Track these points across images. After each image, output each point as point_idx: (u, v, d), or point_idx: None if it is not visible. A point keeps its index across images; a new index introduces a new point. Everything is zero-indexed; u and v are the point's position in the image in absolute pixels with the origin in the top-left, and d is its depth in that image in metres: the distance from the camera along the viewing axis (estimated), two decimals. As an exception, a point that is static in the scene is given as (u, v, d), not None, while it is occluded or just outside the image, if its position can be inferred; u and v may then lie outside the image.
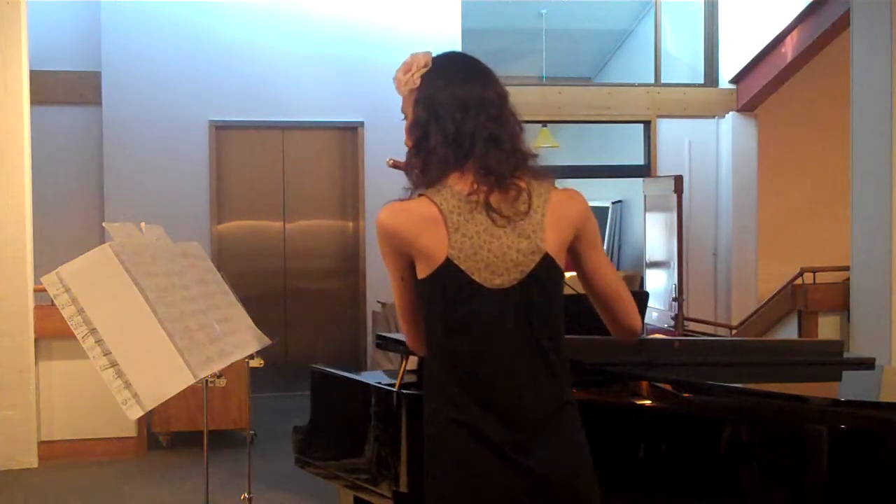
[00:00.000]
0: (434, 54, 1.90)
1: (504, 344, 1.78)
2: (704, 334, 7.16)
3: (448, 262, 1.76)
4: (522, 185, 1.81)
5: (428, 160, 1.82)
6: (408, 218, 1.79)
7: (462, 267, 1.76)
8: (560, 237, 1.81)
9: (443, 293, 1.79)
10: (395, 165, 1.98)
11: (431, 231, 1.77)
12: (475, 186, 1.78)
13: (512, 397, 1.77)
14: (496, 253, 1.77)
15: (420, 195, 1.81)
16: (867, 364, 2.88)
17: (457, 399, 1.78)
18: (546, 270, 1.79)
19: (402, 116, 1.93)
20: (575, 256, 1.89)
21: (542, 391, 1.79)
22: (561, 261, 1.82)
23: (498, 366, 1.78)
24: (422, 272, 1.80)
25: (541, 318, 1.80)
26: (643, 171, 8.87)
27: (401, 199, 1.83)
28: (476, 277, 1.77)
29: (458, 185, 1.79)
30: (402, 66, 1.90)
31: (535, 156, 1.89)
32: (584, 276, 1.91)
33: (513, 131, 1.85)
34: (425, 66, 1.87)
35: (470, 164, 1.80)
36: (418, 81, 1.86)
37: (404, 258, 1.82)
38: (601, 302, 1.93)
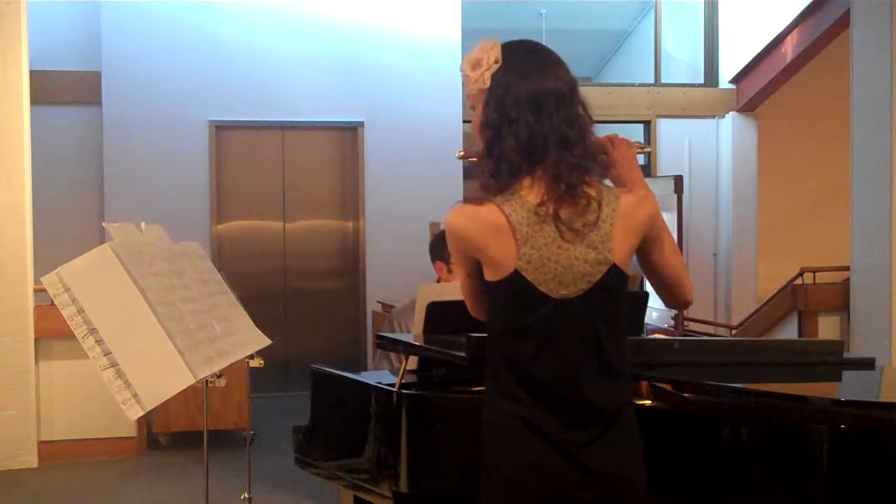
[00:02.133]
0: (501, 44, 1.83)
1: (567, 348, 1.79)
2: (704, 334, 7.16)
3: (516, 273, 1.76)
4: (593, 192, 1.78)
5: (499, 164, 1.79)
6: (476, 225, 1.78)
7: (530, 279, 1.76)
8: (628, 246, 1.81)
9: (509, 300, 1.80)
10: (466, 156, 1.92)
11: (500, 241, 1.76)
12: (545, 197, 1.76)
13: (572, 398, 1.78)
14: (563, 264, 1.77)
15: (489, 201, 1.78)
16: (867, 364, 2.87)
17: (517, 395, 1.79)
18: (612, 280, 1.79)
19: (470, 105, 1.89)
20: (639, 251, 1.88)
21: (603, 393, 1.80)
22: (627, 268, 1.82)
23: (560, 368, 1.79)
24: (489, 276, 1.81)
25: (605, 323, 1.81)
26: (643, 171, 8.84)
27: (470, 202, 1.81)
28: (543, 289, 1.77)
29: (529, 194, 1.77)
30: (469, 60, 1.84)
31: (605, 153, 1.90)
32: (646, 267, 1.92)
33: (582, 128, 1.81)
34: (496, 62, 1.81)
35: (541, 170, 1.78)
36: (489, 82, 1.81)
37: (471, 260, 1.83)
38: (660, 284, 1.94)
